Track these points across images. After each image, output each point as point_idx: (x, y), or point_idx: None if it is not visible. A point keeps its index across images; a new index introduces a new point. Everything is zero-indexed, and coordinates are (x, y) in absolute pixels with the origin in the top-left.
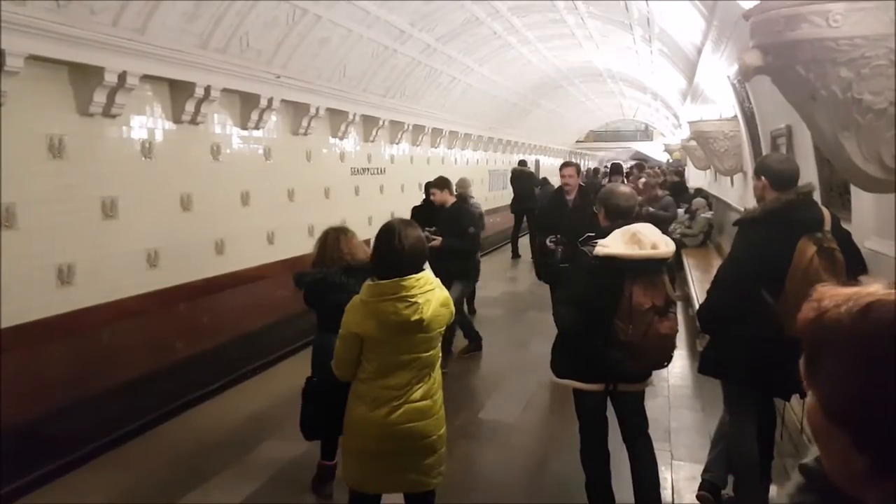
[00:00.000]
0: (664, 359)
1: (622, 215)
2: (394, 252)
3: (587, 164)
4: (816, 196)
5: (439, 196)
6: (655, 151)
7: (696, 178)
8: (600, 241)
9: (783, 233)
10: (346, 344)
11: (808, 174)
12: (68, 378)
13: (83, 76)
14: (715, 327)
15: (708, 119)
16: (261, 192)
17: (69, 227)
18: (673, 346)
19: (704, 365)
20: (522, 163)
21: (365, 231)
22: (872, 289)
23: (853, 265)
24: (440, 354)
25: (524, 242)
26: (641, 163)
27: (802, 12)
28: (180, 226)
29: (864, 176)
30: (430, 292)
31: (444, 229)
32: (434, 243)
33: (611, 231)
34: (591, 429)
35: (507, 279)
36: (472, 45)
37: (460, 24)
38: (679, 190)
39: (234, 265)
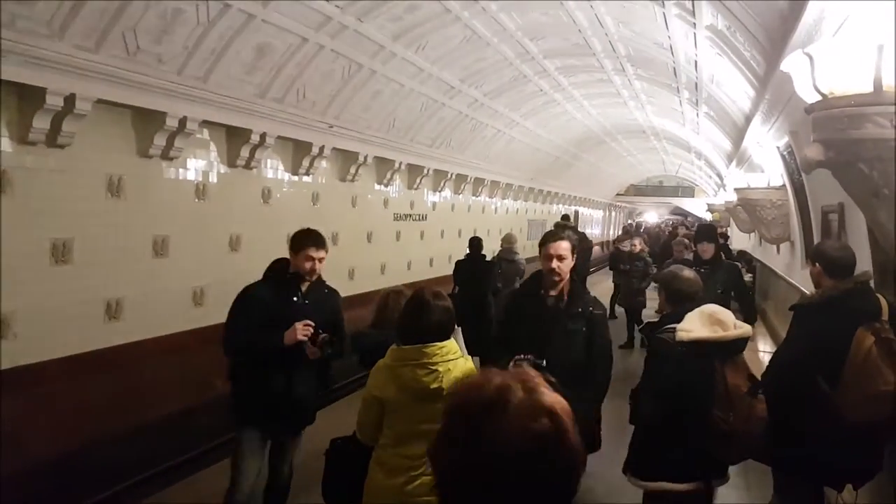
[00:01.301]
0: (759, 448)
1: (689, 299)
2: (419, 321)
3: (621, 217)
4: (868, 268)
5: (311, 264)
6: (697, 208)
7: (739, 240)
8: (679, 327)
9: (840, 321)
10: (366, 407)
11: (862, 255)
12: (102, 412)
13: (145, 120)
14: (770, 413)
15: (755, 187)
16: None
17: (121, 263)
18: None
19: (758, 452)
20: (566, 217)
21: (403, 276)
22: (496, 378)
23: None
24: None
25: None
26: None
27: (867, 113)
28: (227, 265)
29: None
30: (452, 361)
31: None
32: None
33: (674, 316)
34: None
35: None
36: (518, 100)
37: (508, 80)
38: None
39: None
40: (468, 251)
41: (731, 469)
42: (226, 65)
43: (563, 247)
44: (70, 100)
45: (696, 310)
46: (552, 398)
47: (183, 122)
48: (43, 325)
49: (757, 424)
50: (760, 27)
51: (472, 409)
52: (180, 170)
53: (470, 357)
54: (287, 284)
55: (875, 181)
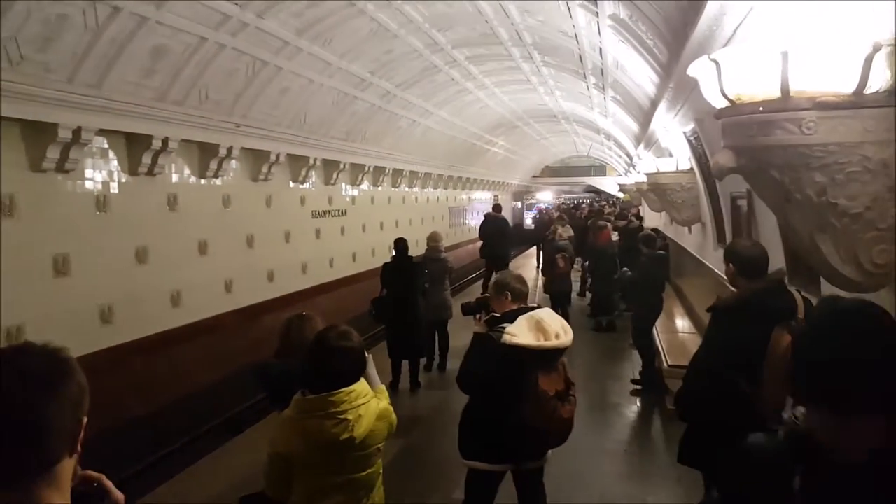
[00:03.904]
0: (563, 440)
1: (524, 299)
2: (325, 367)
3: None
4: (778, 256)
5: None
6: (609, 186)
7: (651, 218)
8: (508, 329)
9: (757, 322)
10: (273, 464)
11: (771, 240)
12: None
13: (36, 132)
14: (693, 415)
15: (665, 171)
16: (219, 240)
17: (19, 286)
18: (571, 428)
19: (684, 455)
20: (497, 208)
21: (326, 274)
22: None
23: None
24: (380, 472)
25: None
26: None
27: (776, 119)
28: (135, 279)
29: (841, 277)
30: (363, 406)
31: None
32: None
33: (510, 315)
34: None
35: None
36: (430, 90)
37: (419, 71)
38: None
39: (191, 316)
40: (394, 253)
41: (661, 455)
42: (120, 70)
43: None
44: None
45: (528, 314)
46: None
47: (77, 132)
48: None
49: (557, 425)
50: (661, 17)
51: None
52: (78, 182)
53: (383, 388)
54: None
55: (786, 187)
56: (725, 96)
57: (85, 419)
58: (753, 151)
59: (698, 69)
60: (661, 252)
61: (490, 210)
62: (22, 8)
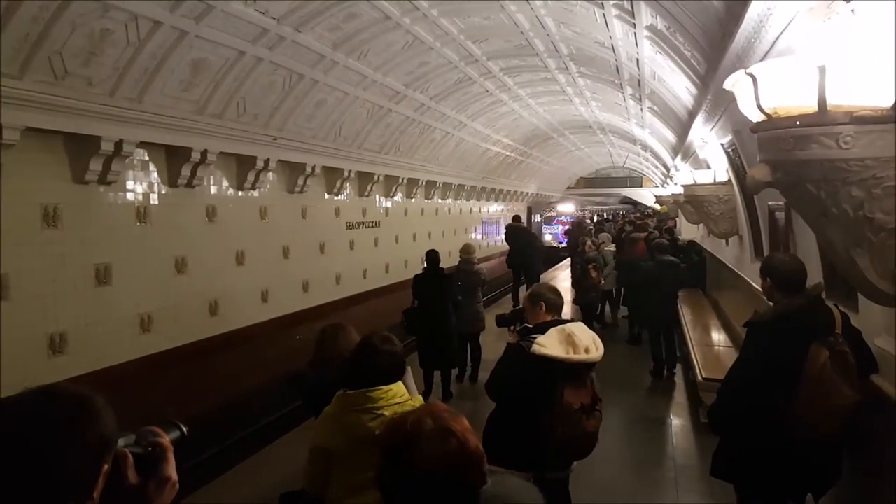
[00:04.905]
0: (586, 454)
1: (558, 310)
2: (365, 366)
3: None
4: (816, 270)
5: None
6: (646, 197)
7: (688, 230)
8: (538, 339)
9: (794, 338)
10: (314, 458)
11: (810, 253)
12: None
13: (79, 145)
14: (727, 430)
15: (702, 183)
16: (256, 251)
17: (61, 295)
18: (595, 443)
19: (717, 468)
20: (516, 218)
21: (359, 285)
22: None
23: (865, 365)
24: None
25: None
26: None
27: (813, 133)
28: (174, 289)
29: (878, 291)
30: (399, 405)
31: None
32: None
33: (542, 327)
34: None
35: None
36: (464, 102)
37: (453, 83)
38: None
39: (228, 325)
40: (425, 265)
41: (693, 469)
42: (160, 83)
43: None
44: None
45: (560, 327)
46: (455, 421)
47: (119, 144)
48: None
49: (582, 438)
50: (699, 28)
51: (396, 443)
52: (119, 193)
53: (420, 398)
54: None
55: (823, 201)
56: (762, 110)
57: (106, 467)
58: (790, 166)
59: (734, 83)
60: (670, 258)
61: (510, 221)
62: (67, 23)
